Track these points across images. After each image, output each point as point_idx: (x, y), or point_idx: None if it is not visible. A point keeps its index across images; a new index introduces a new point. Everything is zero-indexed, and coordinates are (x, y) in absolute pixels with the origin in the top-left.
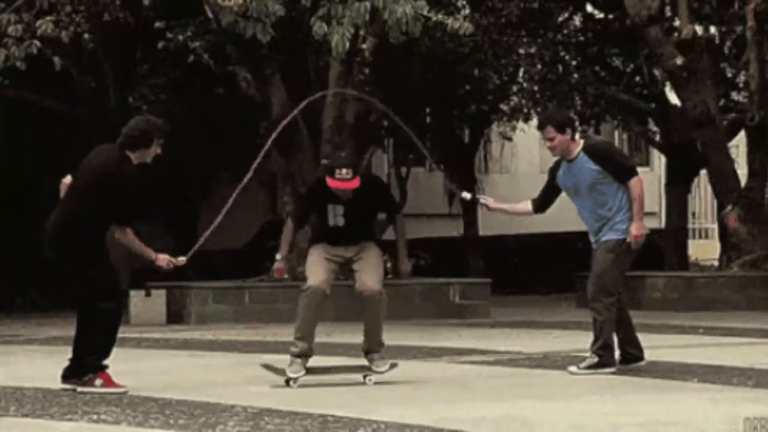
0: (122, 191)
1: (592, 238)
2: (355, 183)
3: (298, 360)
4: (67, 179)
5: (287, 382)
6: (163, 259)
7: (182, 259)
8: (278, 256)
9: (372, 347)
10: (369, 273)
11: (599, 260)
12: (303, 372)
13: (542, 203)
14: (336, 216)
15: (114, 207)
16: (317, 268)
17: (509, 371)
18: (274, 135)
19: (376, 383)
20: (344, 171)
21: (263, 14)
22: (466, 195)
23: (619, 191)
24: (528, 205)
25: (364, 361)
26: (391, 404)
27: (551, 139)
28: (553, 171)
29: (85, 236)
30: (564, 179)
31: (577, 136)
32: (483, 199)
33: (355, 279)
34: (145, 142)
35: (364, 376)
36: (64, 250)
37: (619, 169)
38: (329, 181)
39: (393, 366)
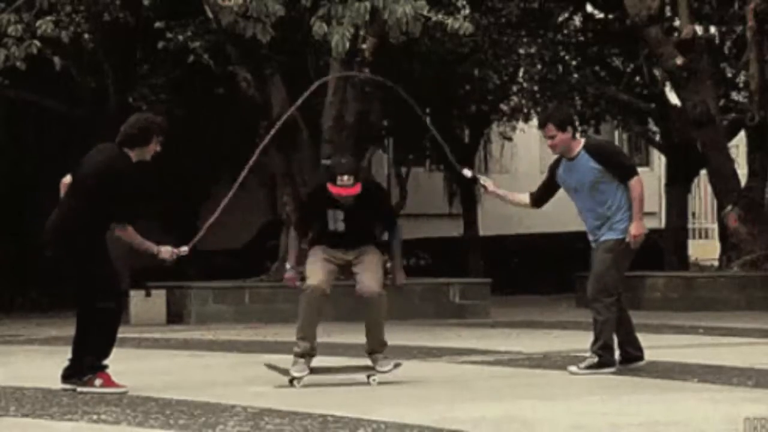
0: (122, 189)
1: (591, 238)
2: (357, 189)
3: (302, 360)
4: (67, 179)
5: (291, 381)
6: (166, 251)
7: (184, 249)
8: (288, 266)
9: (375, 348)
10: (369, 274)
11: (599, 260)
12: (307, 371)
13: (540, 198)
14: (336, 221)
15: (114, 205)
16: (317, 269)
17: (509, 371)
18: (273, 131)
19: (374, 383)
20: (345, 178)
21: (263, 14)
22: (467, 172)
23: (618, 190)
24: (526, 198)
25: (367, 361)
26: (391, 404)
27: (552, 137)
28: (553, 168)
29: (86, 235)
30: (564, 177)
31: (577, 134)
32: (483, 179)
33: (356, 280)
34: (144, 140)
35: (368, 376)
36: (65, 249)
37: (620, 168)
38: (331, 188)
39: (397, 366)
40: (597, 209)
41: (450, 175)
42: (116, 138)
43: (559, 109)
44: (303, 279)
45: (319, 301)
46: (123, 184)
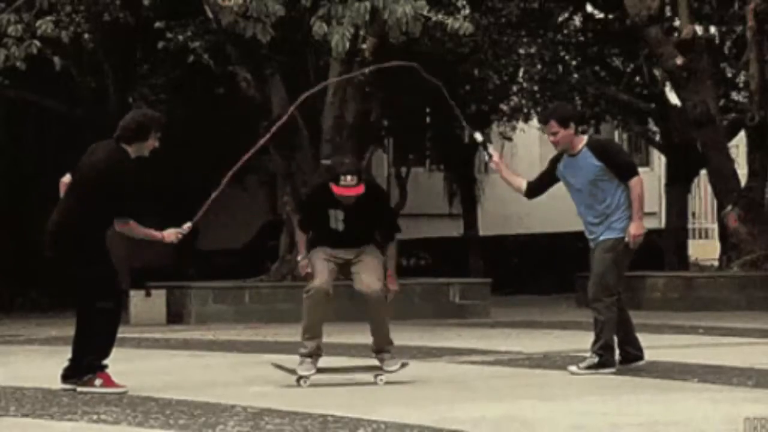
0: (122, 185)
1: (589, 237)
2: (360, 189)
3: (309, 359)
4: (66, 178)
5: (298, 380)
6: (170, 234)
7: (187, 226)
8: (299, 257)
9: (381, 347)
10: (368, 272)
11: (598, 260)
12: (314, 370)
13: (536, 188)
14: (337, 221)
15: (114, 203)
16: (319, 269)
17: (509, 371)
18: (274, 129)
19: (375, 383)
20: (349, 178)
21: (263, 14)
22: (478, 136)
23: (618, 189)
24: (523, 184)
25: (373, 361)
26: (391, 404)
27: (554, 134)
28: (554, 161)
29: (86, 235)
30: (565, 173)
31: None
32: (491, 150)
33: (355, 279)
34: (142, 136)
35: (375, 376)
36: (65, 249)
37: (622, 167)
38: (334, 188)
39: (404, 365)
40: (596, 207)
41: (450, 175)
42: (114, 134)
43: (562, 105)
44: (296, 278)
45: (323, 301)
46: (122, 180)
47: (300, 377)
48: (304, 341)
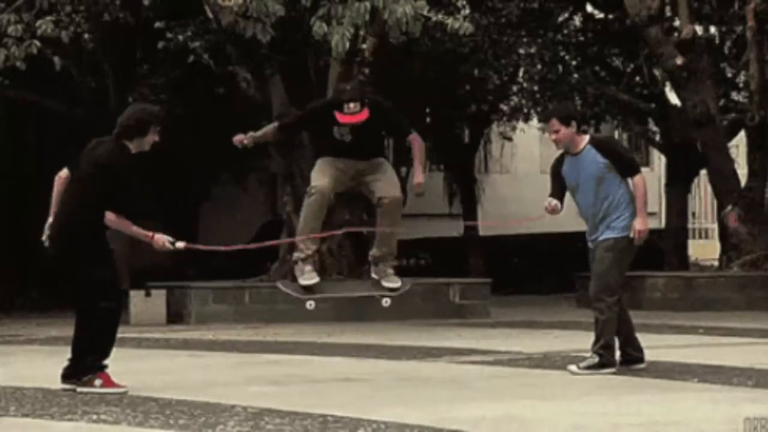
0: (122, 181)
1: (589, 237)
2: (364, 115)
3: (308, 267)
4: (63, 173)
5: (305, 289)
6: (159, 239)
7: (180, 244)
8: (247, 135)
9: (384, 256)
10: (386, 181)
11: (599, 259)
12: (317, 278)
13: (559, 198)
14: (343, 135)
15: (115, 200)
16: (323, 174)
17: (509, 371)
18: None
19: (374, 383)
20: (352, 105)
21: (263, 14)
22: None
23: (620, 188)
24: (558, 206)
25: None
26: (391, 404)
27: (556, 132)
28: (556, 167)
29: (87, 233)
30: (568, 173)
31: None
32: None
33: (371, 189)
34: (141, 131)
35: (381, 297)
36: (66, 247)
37: (626, 163)
38: (338, 116)
39: (405, 283)
40: (598, 204)
41: (450, 175)
42: (114, 130)
43: (564, 104)
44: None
45: (322, 204)
46: (123, 176)
47: (304, 288)
48: (301, 244)
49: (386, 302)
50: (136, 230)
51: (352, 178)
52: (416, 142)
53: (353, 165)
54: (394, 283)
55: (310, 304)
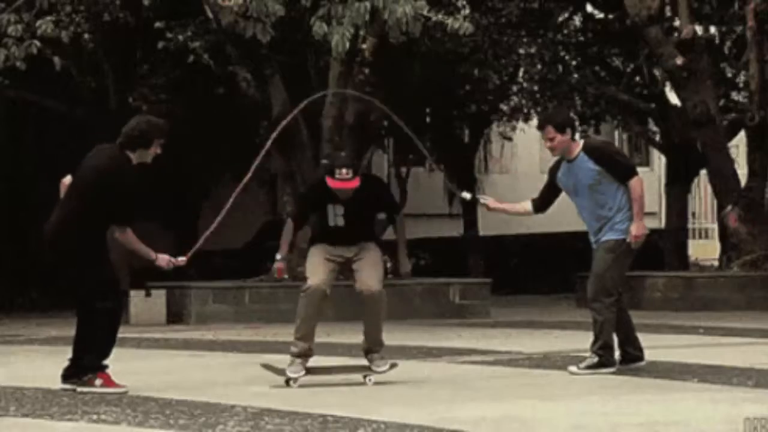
0: (122, 191)
1: (591, 238)
2: (355, 183)
3: (298, 360)
4: (67, 179)
5: (287, 382)
6: (163, 259)
7: (182, 260)
8: (278, 257)
9: (372, 347)
10: (368, 272)
11: (599, 260)
12: (303, 372)
13: (542, 203)
14: (336, 216)
15: (114, 207)
16: (317, 269)
17: (509, 371)
18: (274, 134)
19: (376, 383)
20: (344, 171)
21: (263, 14)
22: (466, 195)
23: (619, 191)
24: (528, 206)
25: (364, 361)
26: (391, 404)
27: (551, 139)
28: (553, 171)
29: (86, 236)
30: (564, 179)
31: (577, 136)
32: (483, 199)
33: (354, 279)
34: (145, 143)
35: (365, 376)
36: (65, 250)
37: (620, 168)
38: (329, 182)
39: (393, 366)
40: (597, 211)
41: (450, 175)
42: (117, 139)
43: (559, 110)
44: (297, 278)
45: (318, 302)
46: (123, 186)
47: (288, 379)
48: (296, 341)
49: (370, 380)
50: (141, 248)
51: (341, 264)
52: (400, 226)
53: (343, 251)
54: (382, 368)
55: (293, 383)
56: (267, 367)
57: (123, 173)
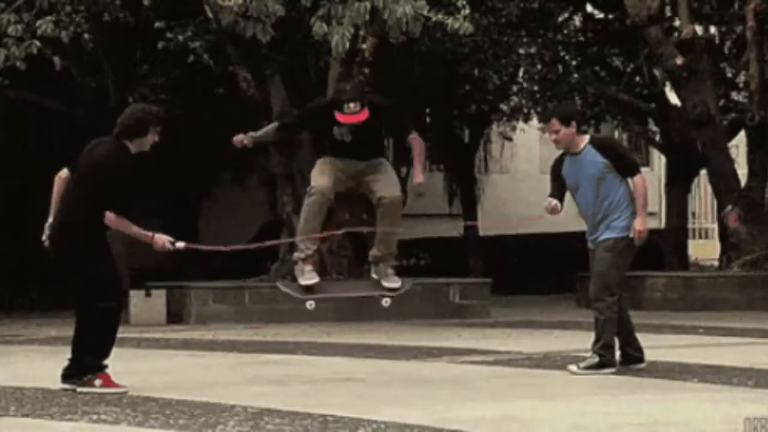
0: (121, 181)
1: (589, 237)
2: (364, 114)
3: (308, 267)
4: (63, 173)
5: (305, 289)
6: (159, 239)
7: (180, 244)
8: (248, 134)
9: (384, 256)
10: (386, 180)
11: (599, 259)
12: (317, 278)
13: (558, 199)
14: (343, 134)
15: (115, 199)
16: (323, 174)
17: (509, 371)
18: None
19: (375, 384)
20: (353, 105)
21: (263, 14)
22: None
23: (620, 188)
24: (558, 205)
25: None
26: (391, 404)
27: (556, 132)
28: (557, 167)
29: (88, 233)
30: (568, 173)
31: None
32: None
33: (371, 189)
34: (141, 131)
35: (381, 297)
36: (66, 247)
37: (626, 164)
38: (338, 116)
39: (405, 283)
40: (598, 204)
41: (450, 175)
42: (114, 130)
43: (564, 104)
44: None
45: (322, 204)
46: (122, 176)
47: (305, 288)
48: (301, 244)
49: (386, 302)
50: (136, 230)
51: (352, 177)
52: (416, 142)
53: (353, 165)
54: (394, 283)
55: (310, 304)
56: (285, 286)
57: (122, 163)
